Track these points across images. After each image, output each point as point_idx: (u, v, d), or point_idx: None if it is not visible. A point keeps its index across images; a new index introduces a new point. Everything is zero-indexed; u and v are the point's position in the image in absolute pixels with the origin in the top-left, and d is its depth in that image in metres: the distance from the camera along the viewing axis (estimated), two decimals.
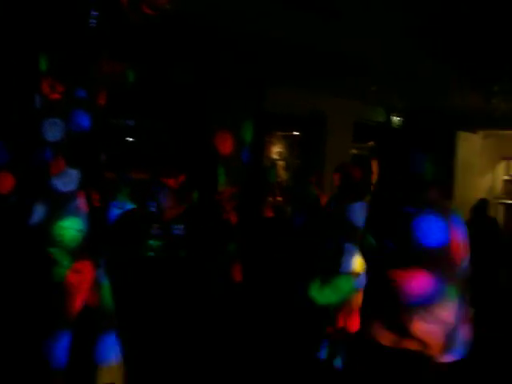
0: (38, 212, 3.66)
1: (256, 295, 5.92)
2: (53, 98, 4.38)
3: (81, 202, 3.72)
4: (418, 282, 3.13)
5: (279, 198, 9.02)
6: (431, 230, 3.17)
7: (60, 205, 3.67)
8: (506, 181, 13.59)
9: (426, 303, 3.04)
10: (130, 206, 4.38)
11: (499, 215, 12.37)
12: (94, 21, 4.10)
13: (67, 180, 3.71)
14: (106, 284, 3.84)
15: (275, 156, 10.98)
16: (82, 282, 3.61)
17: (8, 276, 3.80)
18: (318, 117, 9.41)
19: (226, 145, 6.24)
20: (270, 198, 6.70)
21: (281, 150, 11.31)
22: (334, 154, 9.56)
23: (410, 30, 5.90)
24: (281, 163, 10.64)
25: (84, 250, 3.66)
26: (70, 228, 3.61)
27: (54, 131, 4.27)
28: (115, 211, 4.24)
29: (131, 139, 5.72)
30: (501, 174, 13.75)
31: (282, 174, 10.45)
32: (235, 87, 6.76)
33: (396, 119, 11.97)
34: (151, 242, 4.85)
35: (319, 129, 9.64)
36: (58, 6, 4.36)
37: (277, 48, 6.09)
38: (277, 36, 5.85)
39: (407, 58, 6.75)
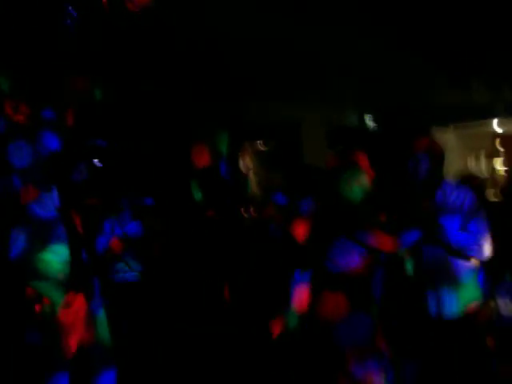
0: (17, 243, 3.27)
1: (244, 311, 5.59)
2: (17, 120, 4.08)
3: (64, 229, 3.34)
4: None
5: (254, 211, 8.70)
6: None
7: (40, 233, 3.29)
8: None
9: None
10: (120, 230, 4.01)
11: None
12: (71, 23, 3.78)
13: (45, 205, 3.34)
14: (101, 317, 3.46)
15: (247, 168, 10.67)
16: (75, 317, 3.23)
17: None
18: (291, 124, 9.18)
19: (202, 157, 5.95)
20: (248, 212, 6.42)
21: (253, 161, 11.03)
22: (310, 161, 9.33)
23: (386, 27, 5.74)
24: (252, 175, 10.36)
25: (73, 281, 3.28)
26: (55, 258, 3.23)
27: (20, 156, 3.96)
28: (105, 237, 3.87)
29: (103, 159, 5.39)
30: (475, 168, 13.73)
31: (254, 187, 10.16)
32: (209, 97, 6.49)
33: (370, 121, 11.81)
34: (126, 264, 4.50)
35: (294, 136, 9.42)
36: (19, 20, 4.05)
37: (249, 53, 5.84)
38: (248, 41, 5.59)
39: (383, 56, 6.58)
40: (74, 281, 3.25)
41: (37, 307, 3.18)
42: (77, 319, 3.22)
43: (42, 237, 3.24)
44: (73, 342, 3.20)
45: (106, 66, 5.01)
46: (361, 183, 3.51)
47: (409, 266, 3.59)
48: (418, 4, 5.48)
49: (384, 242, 3.37)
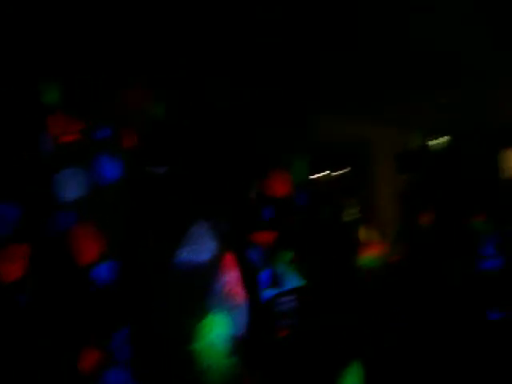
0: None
1: None
2: (66, 141, 3.23)
3: (227, 284, 2.20)
4: None
5: None
6: None
7: (184, 292, 2.15)
8: None
9: None
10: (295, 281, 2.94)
11: None
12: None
13: (196, 244, 2.27)
14: None
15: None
16: None
17: None
18: (362, 148, 8.31)
19: (281, 186, 5.05)
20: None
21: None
22: (382, 189, 8.51)
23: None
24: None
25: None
26: (216, 335, 2.09)
27: (71, 186, 3.01)
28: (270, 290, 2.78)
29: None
30: None
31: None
32: (281, 115, 5.59)
33: (436, 143, 10.95)
34: None
35: (365, 162, 8.56)
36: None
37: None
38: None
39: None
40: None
41: None
42: None
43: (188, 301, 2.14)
44: None
45: (171, 77, 4.13)
46: None
47: None
48: None
49: None
